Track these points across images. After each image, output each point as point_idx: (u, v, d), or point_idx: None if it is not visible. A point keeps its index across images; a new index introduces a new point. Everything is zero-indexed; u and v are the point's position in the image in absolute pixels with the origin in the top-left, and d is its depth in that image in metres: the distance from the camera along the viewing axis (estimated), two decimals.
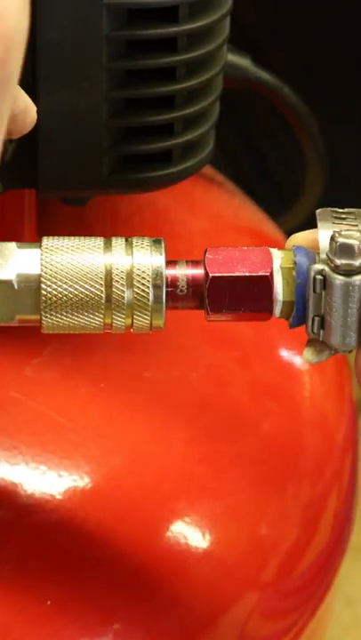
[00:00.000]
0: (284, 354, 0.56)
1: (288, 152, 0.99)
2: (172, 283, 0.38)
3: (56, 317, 0.37)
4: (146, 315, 0.38)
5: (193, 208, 0.60)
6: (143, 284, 0.37)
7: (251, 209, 0.65)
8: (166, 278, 0.38)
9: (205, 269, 0.38)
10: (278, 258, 0.38)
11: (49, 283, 0.37)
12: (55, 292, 0.37)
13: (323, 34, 0.96)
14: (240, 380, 0.52)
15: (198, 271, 0.38)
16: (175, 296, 0.38)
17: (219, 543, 0.47)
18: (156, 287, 0.37)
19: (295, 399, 0.54)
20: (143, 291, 0.37)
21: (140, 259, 0.37)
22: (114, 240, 0.38)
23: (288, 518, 0.50)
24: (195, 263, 0.39)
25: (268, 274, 0.38)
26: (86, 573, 0.43)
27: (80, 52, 0.44)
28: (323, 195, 0.71)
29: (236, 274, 0.38)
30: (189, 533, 0.46)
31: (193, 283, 0.38)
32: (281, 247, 0.63)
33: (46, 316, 0.37)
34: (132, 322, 0.38)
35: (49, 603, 0.41)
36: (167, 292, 0.38)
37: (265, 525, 0.49)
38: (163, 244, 0.38)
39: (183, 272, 0.38)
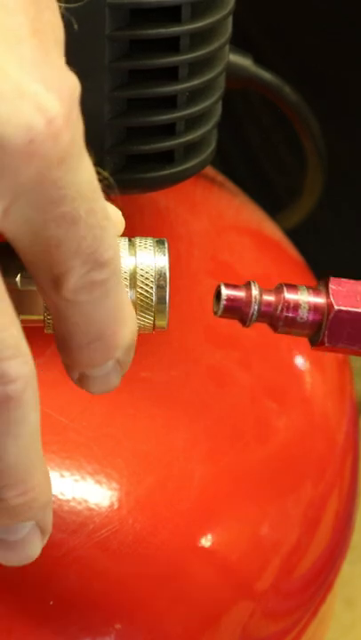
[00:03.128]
0: (285, 354, 0.56)
1: (283, 154, 0.99)
2: (294, 308, 0.38)
3: None
4: (149, 315, 0.37)
5: (194, 208, 0.60)
6: (147, 285, 0.37)
7: (252, 209, 0.65)
8: (289, 303, 0.38)
9: (329, 300, 0.37)
10: None
11: None
12: None
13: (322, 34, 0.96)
14: (241, 380, 0.52)
15: (320, 300, 0.38)
16: (294, 322, 0.38)
17: (220, 543, 0.47)
18: (160, 287, 0.37)
19: (296, 399, 0.54)
20: (147, 291, 0.37)
21: (144, 259, 0.37)
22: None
23: (289, 518, 0.50)
24: (315, 291, 0.38)
25: None
26: (88, 573, 0.43)
27: (82, 52, 0.44)
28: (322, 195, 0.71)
29: None
30: (191, 533, 0.46)
31: (314, 311, 0.38)
32: (282, 247, 0.64)
33: (50, 317, 0.37)
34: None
35: (51, 603, 0.41)
36: (287, 317, 0.38)
37: (266, 525, 0.49)
38: (166, 245, 0.38)
39: (305, 299, 0.38)
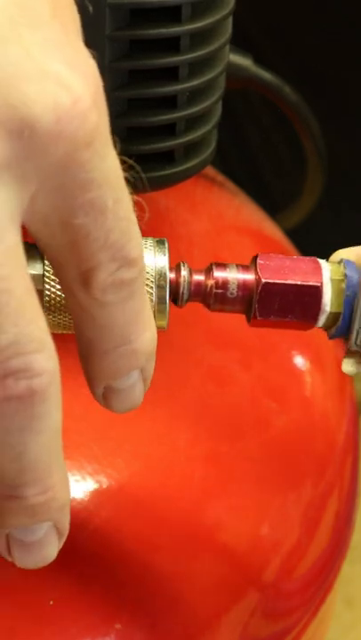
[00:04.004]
0: (286, 354, 0.56)
1: (283, 154, 0.99)
2: (223, 285, 0.39)
3: (59, 317, 0.37)
4: None
5: (194, 208, 0.60)
6: (147, 285, 0.37)
7: (252, 209, 0.65)
8: (217, 280, 0.39)
9: (257, 274, 0.38)
10: (327, 269, 0.39)
11: (52, 283, 0.37)
12: (58, 292, 0.37)
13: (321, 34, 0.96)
14: (242, 381, 0.52)
15: (249, 276, 0.39)
16: (225, 298, 0.39)
17: (220, 543, 0.47)
18: (160, 287, 0.37)
19: (296, 399, 0.54)
20: (147, 291, 0.37)
21: (144, 259, 0.37)
22: None
23: (289, 518, 0.50)
24: (244, 267, 0.39)
25: (319, 284, 0.38)
26: (89, 573, 0.43)
27: None
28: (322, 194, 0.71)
29: (288, 281, 0.38)
30: (191, 533, 0.46)
31: (243, 287, 0.39)
32: (282, 247, 0.64)
33: (49, 316, 0.37)
34: None
35: (51, 603, 0.41)
36: (217, 293, 0.39)
37: (266, 525, 0.49)
38: (166, 245, 0.38)
39: (234, 275, 0.39)
